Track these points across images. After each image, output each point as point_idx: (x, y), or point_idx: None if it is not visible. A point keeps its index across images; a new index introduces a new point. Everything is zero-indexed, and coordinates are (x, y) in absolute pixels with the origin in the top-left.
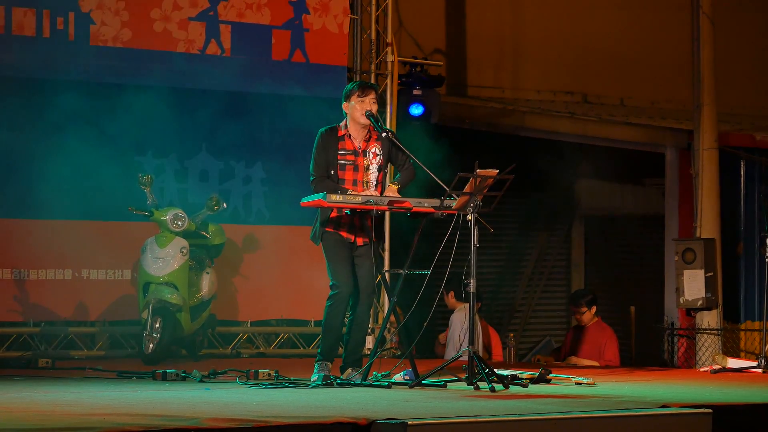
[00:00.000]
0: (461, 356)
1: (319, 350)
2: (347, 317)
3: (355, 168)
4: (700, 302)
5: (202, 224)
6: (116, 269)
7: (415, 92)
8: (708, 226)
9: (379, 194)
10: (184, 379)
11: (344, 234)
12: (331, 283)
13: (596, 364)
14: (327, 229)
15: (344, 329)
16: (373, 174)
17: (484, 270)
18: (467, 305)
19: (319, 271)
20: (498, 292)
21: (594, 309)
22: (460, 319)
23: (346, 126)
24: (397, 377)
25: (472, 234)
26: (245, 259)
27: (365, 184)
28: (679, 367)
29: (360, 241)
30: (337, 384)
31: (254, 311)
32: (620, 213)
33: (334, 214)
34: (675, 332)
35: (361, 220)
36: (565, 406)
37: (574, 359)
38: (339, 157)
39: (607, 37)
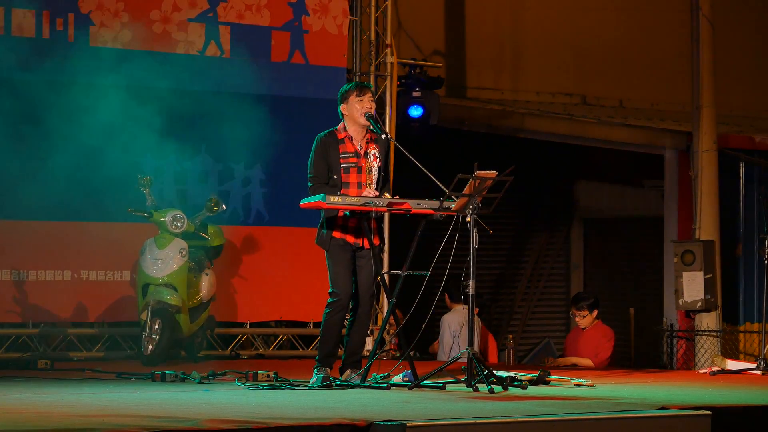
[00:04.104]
0: (460, 358)
1: (317, 357)
2: (347, 319)
3: (359, 170)
4: (699, 304)
5: (201, 225)
6: (115, 270)
7: (415, 94)
8: (707, 227)
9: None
10: (183, 380)
11: (350, 239)
12: (330, 290)
13: (590, 362)
14: (334, 235)
15: (344, 331)
16: (374, 177)
17: (483, 272)
18: (460, 307)
19: (317, 273)
20: (497, 293)
21: (595, 312)
22: (449, 320)
23: (345, 128)
24: (396, 379)
25: (471, 235)
26: (244, 261)
27: (369, 186)
28: (678, 369)
29: (363, 243)
30: (336, 385)
31: (253, 312)
32: (619, 215)
33: (340, 214)
34: (674, 334)
35: (363, 222)
36: (564, 408)
37: (572, 359)
38: (342, 160)
39: (606, 38)
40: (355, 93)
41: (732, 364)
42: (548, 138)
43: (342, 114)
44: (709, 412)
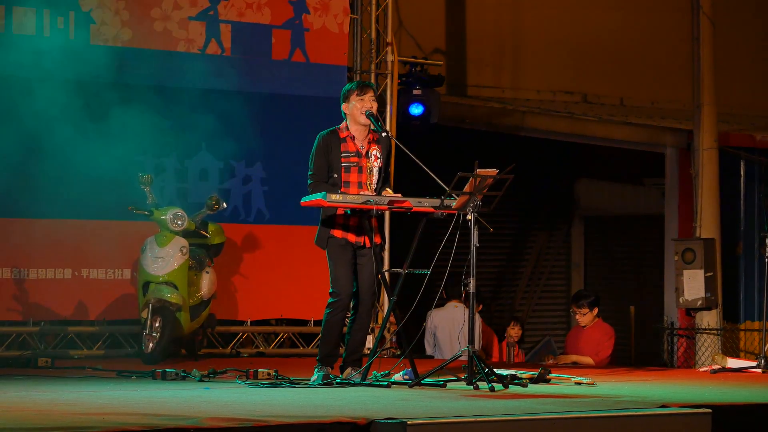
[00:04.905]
0: (460, 356)
1: (318, 356)
2: (348, 318)
3: (360, 170)
4: (699, 302)
5: (201, 224)
6: (116, 268)
7: (415, 92)
8: (708, 226)
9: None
10: (183, 378)
11: (351, 238)
12: (331, 290)
13: (591, 361)
14: (333, 233)
15: (345, 329)
16: (375, 177)
17: (483, 270)
18: (450, 304)
19: (318, 271)
20: (498, 291)
21: (596, 311)
22: (432, 316)
23: (347, 127)
24: (397, 377)
25: (472, 234)
26: (245, 259)
27: (369, 186)
28: (679, 367)
29: (364, 242)
30: (337, 383)
31: (254, 311)
32: (620, 213)
33: (340, 212)
34: (674, 332)
35: (364, 221)
36: (565, 406)
37: (573, 357)
38: (343, 159)
39: (606, 36)
40: (356, 92)
41: (732, 363)
42: (549, 136)
43: (344, 113)
44: (710, 411)
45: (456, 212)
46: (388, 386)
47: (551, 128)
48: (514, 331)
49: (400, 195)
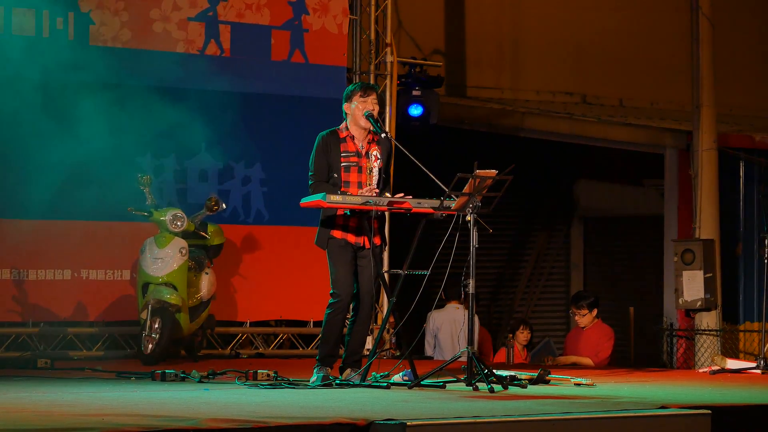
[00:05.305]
0: (460, 357)
1: (317, 356)
2: (348, 319)
3: (359, 170)
4: (699, 303)
5: (201, 225)
6: (115, 269)
7: (415, 93)
8: (707, 226)
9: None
10: (183, 379)
11: (351, 239)
12: (331, 291)
13: (590, 362)
14: (333, 234)
15: (345, 330)
16: (375, 177)
17: (483, 271)
18: (450, 305)
19: (318, 272)
20: (497, 292)
21: (595, 312)
22: (433, 317)
23: (347, 128)
24: (396, 378)
25: (471, 235)
26: (244, 260)
27: (369, 186)
28: (678, 368)
29: (363, 243)
30: (336, 384)
31: (253, 312)
32: (619, 214)
33: (339, 213)
34: (674, 333)
35: (365, 222)
36: (564, 407)
37: (573, 358)
38: (342, 159)
39: (606, 37)
40: (359, 93)
41: (732, 363)
42: (548, 137)
43: (345, 113)
44: (709, 411)
45: (455, 213)
46: (387, 387)
47: (551, 129)
48: (523, 335)
49: (402, 194)
